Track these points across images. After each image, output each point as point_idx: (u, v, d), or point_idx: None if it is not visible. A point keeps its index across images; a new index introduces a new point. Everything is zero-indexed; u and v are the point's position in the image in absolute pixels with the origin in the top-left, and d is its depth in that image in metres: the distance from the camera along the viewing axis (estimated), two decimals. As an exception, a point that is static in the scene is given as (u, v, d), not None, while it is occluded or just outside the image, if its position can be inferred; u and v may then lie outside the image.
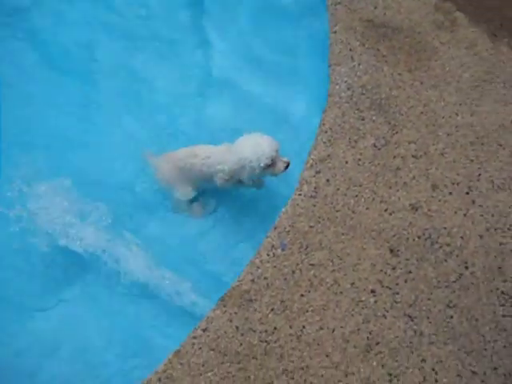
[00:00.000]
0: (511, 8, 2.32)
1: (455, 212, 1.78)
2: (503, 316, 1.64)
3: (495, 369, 1.57)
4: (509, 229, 1.79)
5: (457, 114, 2.03)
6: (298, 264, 1.69)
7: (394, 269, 1.70)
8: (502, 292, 1.68)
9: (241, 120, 2.15)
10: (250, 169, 1.79)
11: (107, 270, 1.85)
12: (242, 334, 1.59)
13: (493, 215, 1.79)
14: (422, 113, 2.01)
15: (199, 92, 2.26)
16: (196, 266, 1.92)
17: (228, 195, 2.02)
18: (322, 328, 1.60)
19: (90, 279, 1.88)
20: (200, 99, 2.23)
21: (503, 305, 1.66)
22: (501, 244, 1.76)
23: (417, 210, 1.78)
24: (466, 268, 1.71)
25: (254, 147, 1.77)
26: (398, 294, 1.66)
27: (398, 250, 1.73)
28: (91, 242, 1.86)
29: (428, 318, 1.63)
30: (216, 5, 2.45)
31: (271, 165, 1.78)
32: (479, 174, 1.86)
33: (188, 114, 2.19)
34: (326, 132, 1.93)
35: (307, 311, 1.62)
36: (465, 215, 1.78)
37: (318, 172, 1.85)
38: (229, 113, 2.19)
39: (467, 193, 1.82)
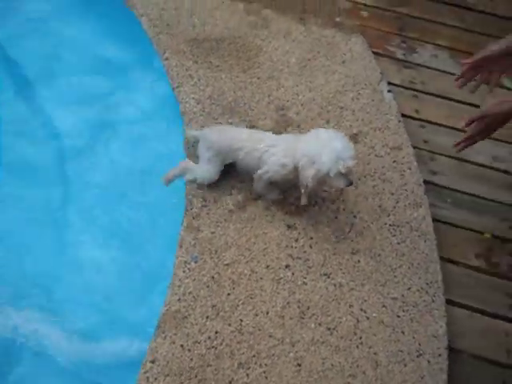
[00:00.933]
0: (307, -7, 2.61)
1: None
2: (398, 243, 1.87)
3: (409, 289, 1.78)
4: (374, 172, 2.03)
5: (297, 94, 2.25)
6: (214, 269, 1.79)
7: (296, 240, 1.86)
8: (390, 225, 1.91)
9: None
10: (317, 172, 1.69)
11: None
12: (189, 350, 1.65)
13: (358, 165, 2.03)
14: (269, 103, 2.20)
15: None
16: (118, 315, 1.94)
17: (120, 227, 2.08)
18: (256, 314, 1.71)
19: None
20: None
21: (394, 235, 1.88)
22: (373, 186, 2.00)
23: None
24: (355, 217, 1.92)
25: (331, 147, 1.68)
26: (308, 260, 1.82)
27: (294, 224, 1.89)
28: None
29: (341, 269, 1.81)
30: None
31: (341, 175, 1.68)
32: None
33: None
34: (193, 146, 2.05)
35: (238, 306, 1.73)
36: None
37: (200, 183, 1.97)
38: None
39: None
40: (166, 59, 2.32)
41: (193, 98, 2.19)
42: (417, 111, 2.33)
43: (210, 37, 2.42)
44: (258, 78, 2.29)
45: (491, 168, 2.18)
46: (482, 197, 2.09)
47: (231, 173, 1.98)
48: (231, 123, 2.12)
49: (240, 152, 1.86)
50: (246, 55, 2.37)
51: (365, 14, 2.67)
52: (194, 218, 1.89)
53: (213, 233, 1.86)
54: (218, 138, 1.91)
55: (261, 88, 2.26)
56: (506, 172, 2.18)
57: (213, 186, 1.95)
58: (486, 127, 1.63)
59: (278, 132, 2.11)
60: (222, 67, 2.31)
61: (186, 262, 1.81)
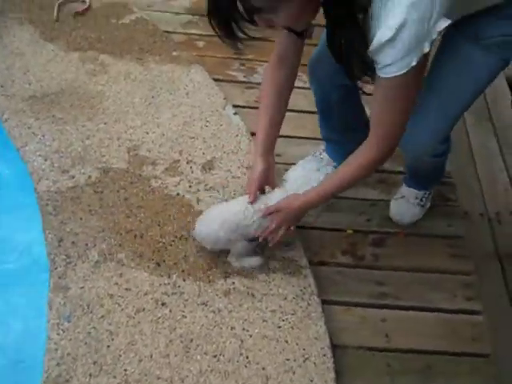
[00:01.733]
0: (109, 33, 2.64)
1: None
2: (268, 258, 1.92)
3: (285, 298, 1.83)
4: (234, 194, 2.08)
5: (147, 132, 2.26)
6: (89, 324, 1.74)
7: (169, 276, 1.85)
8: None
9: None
10: None
11: None
12: (77, 413, 1.59)
13: (217, 190, 2.07)
14: (119, 146, 2.20)
15: None
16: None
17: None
18: (140, 360, 1.68)
19: None
20: None
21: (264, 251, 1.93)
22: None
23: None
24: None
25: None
26: (183, 293, 1.82)
27: (163, 260, 1.89)
28: None
29: (217, 295, 1.82)
30: None
31: None
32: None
33: None
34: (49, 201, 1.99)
35: (120, 356, 1.68)
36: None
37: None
38: None
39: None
40: (6, 121, 2.25)
41: (39, 156, 2.13)
42: (266, 128, 2.42)
43: (49, 91, 2.37)
44: (105, 124, 2.28)
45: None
46: (337, 196, 2.19)
47: (90, 222, 1.95)
48: (83, 173, 2.09)
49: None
50: (89, 103, 2.35)
51: (200, 44, 2.74)
52: (60, 278, 1.83)
53: (82, 288, 1.81)
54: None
55: (109, 133, 2.24)
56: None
57: (74, 240, 1.91)
58: (283, 220, 1.73)
59: (133, 172, 2.11)
60: (66, 119, 2.27)
61: (58, 323, 1.74)
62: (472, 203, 2.27)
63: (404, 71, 1.23)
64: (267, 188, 1.82)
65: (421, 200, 2.11)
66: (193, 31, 2.80)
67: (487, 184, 2.35)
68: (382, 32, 1.18)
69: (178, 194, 2.07)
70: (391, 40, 1.18)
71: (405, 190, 2.13)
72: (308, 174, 1.74)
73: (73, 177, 2.09)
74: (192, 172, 2.14)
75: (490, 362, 1.83)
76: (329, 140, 2.15)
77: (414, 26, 1.15)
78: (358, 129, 1.96)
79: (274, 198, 1.75)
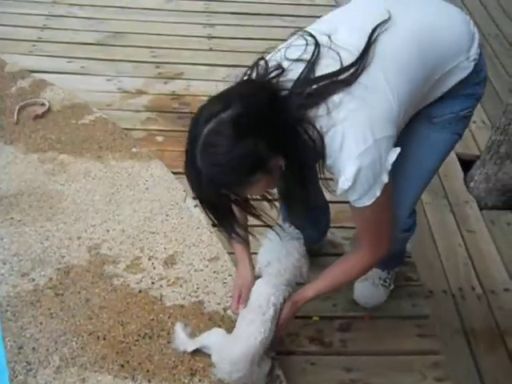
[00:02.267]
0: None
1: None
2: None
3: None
4: (197, 288, 2.07)
5: (107, 230, 2.26)
6: None
7: (133, 378, 1.80)
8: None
9: None
10: None
11: None
12: None
13: (181, 285, 2.05)
14: (79, 245, 2.18)
15: None
16: None
17: None
18: None
19: None
20: None
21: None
22: (198, 302, 2.02)
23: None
24: (187, 337, 1.92)
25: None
26: None
27: (128, 362, 1.84)
28: None
29: None
30: None
31: None
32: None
33: None
34: (6, 310, 1.94)
35: None
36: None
37: (20, 347, 1.85)
38: None
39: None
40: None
41: (-4, 263, 2.10)
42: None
43: (8, 193, 2.37)
44: (65, 223, 2.27)
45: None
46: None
47: (51, 326, 1.90)
48: (43, 275, 2.06)
49: None
50: (48, 203, 2.35)
51: (160, 139, 2.80)
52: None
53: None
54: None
55: (68, 232, 2.23)
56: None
57: (35, 346, 1.85)
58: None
59: (94, 272, 2.09)
60: (24, 221, 2.26)
61: None
62: (434, 281, 2.29)
63: (372, 201, 1.42)
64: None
65: (384, 281, 2.12)
66: (152, 127, 2.87)
67: (448, 260, 2.39)
68: (342, 182, 1.38)
69: (140, 292, 2.05)
70: (352, 186, 1.38)
71: (369, 270, 2.15)
72: (278, 251, 1.72)
73: (33, 280, 2.06)
74: (154, 268, 2.13)
75: None
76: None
77: (369, 169, 1.36)
78: (317, 209, 2.02)
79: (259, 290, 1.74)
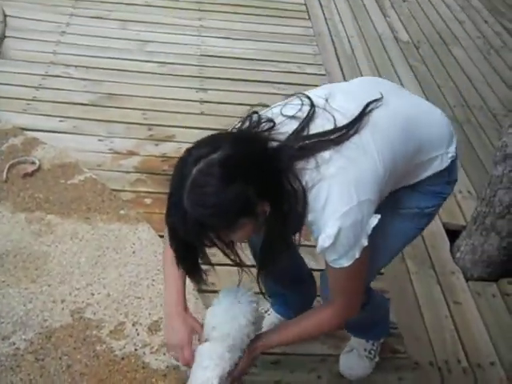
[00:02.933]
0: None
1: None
2: None
3: None
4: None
5: (92, 294, 2.23)
6: None
7: None
8: None
9: None
10: None
11: None
12: None
13: (164, 353, 2.01)
14: (63, 308, 2.15)
15: None
16: None
17: None
18: None
19: None
20: None
21: None
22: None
23: None
24: None
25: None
26: None
27: None
28: None
29: None
30: None
31: None
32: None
33: None
34: None
35: None
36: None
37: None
38: None
39: None
40: None
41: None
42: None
43: (-9, 254, 2.35)
44: (49, 286, 2.24)
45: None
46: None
47: None
48: (25, 339, 2.02)
49: None
50: (33, 265, 2.33)
51: (148, 201, 2.81)
52: None
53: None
54: None
55: (52, 295, 2.20)
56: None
57: None
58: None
59: (77, 336, 2.05)
60: (8, 281, 2.24)
61: None
62: (421, 353, 2.27)
63: (350, 263, 1.40)
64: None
65: (369, 352, 2.10)
66: (141, 189, 2.87)
67: (434, 332, 2.38)
68: (322, 240, 1.36)
69: (123, 359, 2.01)
70: (332, 245, 1.36)
71: (354, 341, 2.13)
72: (223, 315, 1.63)
73: (13, 343, 2.02)
74: (138, 334, 2.10)
75: None
76: (274, 295, 2.16)
77: (350, 230, 1.35)
78: (302, 280, 2.01)
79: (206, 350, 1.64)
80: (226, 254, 1.50)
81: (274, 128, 1.40)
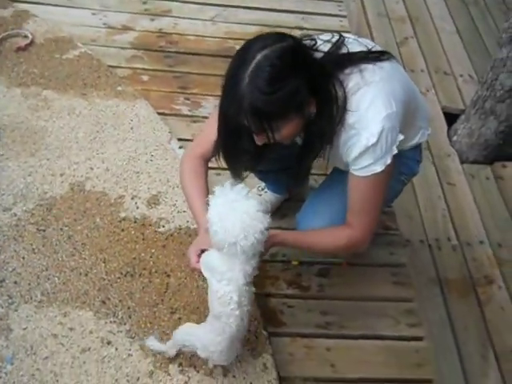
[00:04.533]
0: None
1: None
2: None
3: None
4: (180, 229, 2.09)
5: (91, 168, 2.25)
6: (32, 366, 1.70)
7: (114, 314, 1.84)
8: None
9: None
10: None
11: None
12: None
13: (164, 225, 2.07)
14: (62, 182, 2.18)
15: None
16: None
17: None
18: (86, 401, 1.66)
19: None
20: None
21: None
22: (180, 243, 2.05)
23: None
24: (168, 276, 1.95)
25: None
26: (129, 330, 1.80)
27: (108, 298, 1.87)
28: None
29: (163, 331, 1.81)
30: None
31: None
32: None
33: None
34: None
35: (65, 398, 1.66)
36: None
37: None
38: None
39: None
40: None
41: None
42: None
43: (-13, 129, 2.34)
44: (48, 159, 2.25)
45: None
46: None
47: (33, 261, 1.92)
48: (26, 210, 2.06)
49: None
50: (31, 139, 2.32)
51: (145, 78, 2.76)
52: (1, 319, 1.79)
53: (25, 329, 1.77)
54: None
55: (52, 169, 2.22)
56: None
57: (17, 280, 1.87)
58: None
59: (77, 209, 2.10)
60: (7, 155, 2.24)
61: (0, 366, 1.70)
62: (412, 231, 2.35)
63: (382, 168, 1.48)
64: None
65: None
66: (137, 65, 2.81)
67: (426, 211, 2.44)
68: (366, 138, 1.44)
69: (122, 230, 2.06)
70: (374, 145, 1.44)
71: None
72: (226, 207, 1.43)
73: (15, 215, 2.06)
74: (137, 207, 2.14)
75: (434, 386, 1.88)
76: (265, 178, 2.18)
77: (389, 133, 1.45)
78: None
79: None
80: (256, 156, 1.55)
81: (315, 45, 1.50)
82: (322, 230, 1.71)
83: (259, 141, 1.44)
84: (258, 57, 1.30)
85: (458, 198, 2.53)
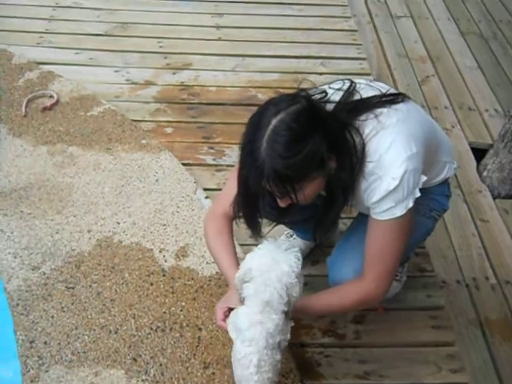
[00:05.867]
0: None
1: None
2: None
3: None
4: (209, 281, 2.05)
5: (118, 223, 2.25)
6: None
7: (146, 372, 1.79)
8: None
9: None
10: None
11: None
12: None
13: (193, 278, 2.03)
14: (89, 238, 2.17)
15: None
16: None
17: None
18: None
19: None
20: None
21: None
22: (215, 295, 2.01)
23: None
24: (200, 329, 1.91)
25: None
26: (157, 382, 1.76)
27: (139, 354, 1.83)
28: None
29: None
30: None
31: None
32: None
33: None
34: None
35: None
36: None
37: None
38: None
39: None
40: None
41: (9, 253, 2.09)
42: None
43: (17, 186, 2.36)
44: (75, 216, 2.26)
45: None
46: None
47: (62, 319, 1.90)
48: (54, 268, 2.05)
49: None
50: (57, 196, 2.34)
51: (169, 130, 2.78)
52: (32, 381, 1.76)
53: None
54: None
55: (79, 225, 2.22)
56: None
57: (47, 340, 1.85)
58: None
59: (105, 265, 2.08)
60: (34, 214, 2.25)
61: None
62: (448, 271, 2.27)
63: (403, 212, 1.45)
64: None
65: (396, 275, 2.09)
66: (161, 118, 2.84)
67: (461, 250, 2.36)
68: (387, 183, 1.42)
69: (152, 285, 2.03)
70: (396, 188, 1.41)
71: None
72: (262, 261, 1.44)
73: (44, 273, 2.05)
74: (165, 261, 2.12)
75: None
76: (293, 228, 2.15)
77: (411, 175, 1.42)
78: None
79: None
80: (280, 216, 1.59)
81: (326, 97, 1.48)
82: (333, 291, 1.65)
83: (283, 203, 1.44)
84: (274, 122, 1.30)
85: (492, 234, 2.45)
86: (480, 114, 3.08)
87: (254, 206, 1.52)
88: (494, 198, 2.63)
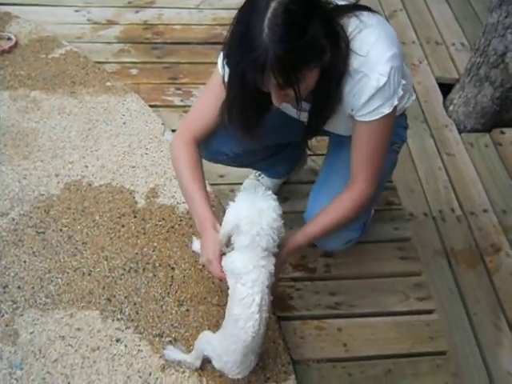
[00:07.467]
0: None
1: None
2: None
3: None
4: (181, 221, 2.06)
5: (86, 166, 2.22)
6: (42, 369, 1.68)
7: (121, 311, 1.82)
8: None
9: None
10: None
11: None
12: None
13: (163, 218, 2.04)
14: (58, 182, 2.15)
15: None
16: None
17: None
18: None
19: None
20: None
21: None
22: (182, 234, 2.02)
23: (106, 255, 1.91)
24: (173, 269, 1.93)
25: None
26: (138, 326, 1.78)
27: (114, 295, 1.85)
28: None
29: (172, 324, 1.79)
30: None
31: None
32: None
33: None
34: None
35: (78, 398, 1.64)
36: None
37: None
38: None
39: None
40: None
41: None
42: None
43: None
44: (42, 161, 2.23)
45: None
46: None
47: (35, 264, 1.90)
48: (23, 214, 2.04)
49: None
50: (23, 142, 2.30)
51: (134, 71, 2.72)
52: (7, 325, 1.77)
53: (32, 333, 1.76)
54: None
55: (46, 170, 2.19)
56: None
57: (20, 284, 1.85)
58: None
59: (75, 208, 2.07)
60: (0, 160, 2.21)
61: (10, 372, 1.68)
62: (415, 204, 2.32)
63: (390, 110, 1.45)
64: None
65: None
66: (125, 59, 2.78)
67: (428, 184, 2.41)
68: (376, 79, 1.40)
69: (123, 226, 2.04)
70: (385, 83, 1.40)
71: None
72: (248, 209, 1.48)
73: (13, 219, 2.04)
74: (136, 202, 2.12)
75: (448, 358, 1.86)
76: (258, 169, 2.16)
77: (397, 72, 1.41)
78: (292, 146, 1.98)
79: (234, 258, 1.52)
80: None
81: None
82: (326, 209, 1.64)
83: (281, 99, 1.37)
84: (273, 4, 1.23)
85: (458, 167, 2.50)
86: (447, 47, 3.08)
87: (250, 105, 1.41)
88: (460, 132, 2.67)
